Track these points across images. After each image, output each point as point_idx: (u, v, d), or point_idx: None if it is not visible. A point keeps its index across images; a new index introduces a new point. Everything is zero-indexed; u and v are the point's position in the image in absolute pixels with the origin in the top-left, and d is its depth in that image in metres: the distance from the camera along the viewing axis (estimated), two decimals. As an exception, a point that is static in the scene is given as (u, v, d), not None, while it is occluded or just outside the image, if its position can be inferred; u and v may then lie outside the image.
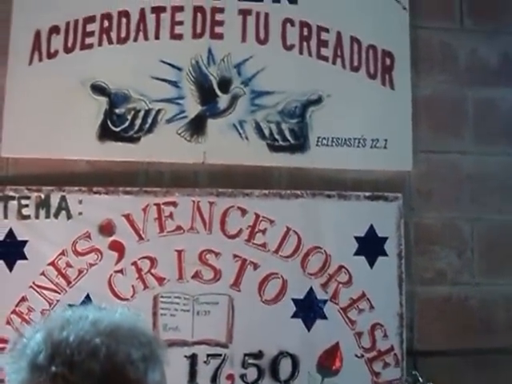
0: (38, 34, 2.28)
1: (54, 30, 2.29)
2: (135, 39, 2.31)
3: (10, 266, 2.17)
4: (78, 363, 0.77)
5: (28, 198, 2.20)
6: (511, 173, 2.47)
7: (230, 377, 2.22)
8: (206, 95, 2.33)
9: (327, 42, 2.40)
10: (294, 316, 2.26)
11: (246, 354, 2.23)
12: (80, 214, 2.21)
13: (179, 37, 2.33)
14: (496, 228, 2.44)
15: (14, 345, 0.85)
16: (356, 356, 2.28)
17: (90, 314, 0.86)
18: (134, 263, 2.21)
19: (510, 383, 2.35)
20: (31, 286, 2.16)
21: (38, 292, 2.17)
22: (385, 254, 2.33)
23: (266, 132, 2.34)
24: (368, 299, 2.30)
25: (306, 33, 2.39)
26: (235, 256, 2.25)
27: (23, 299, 2.15)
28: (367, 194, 2.34)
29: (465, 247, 2.42)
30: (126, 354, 0.80)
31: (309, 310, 2.27)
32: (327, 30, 2.40)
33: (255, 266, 2.26)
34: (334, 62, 2.39)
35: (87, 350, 0.79)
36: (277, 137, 2.34)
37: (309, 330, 2.27)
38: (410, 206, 2.39)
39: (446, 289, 2.40)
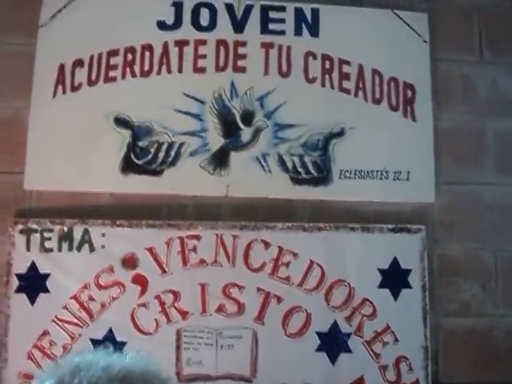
0: (61, 68, 2.30)
1: (78, 63, 2.31)
2: (158, 72, 2.33)
3: (32, 300, 2.16)
4: None
5: (51, 230, 2.20)
6: (533, 203, 2.47)
7: (255, 411, 2.20)
8: (229, 128, 2.34)
9: (349, 75, 2.41)
10: (319, 349, 2.24)
11: (270, 388, 2.21)
12: (103, 247, 2.21)
13: (202, 70, 2.35)
14: (520, 259, 2.43)
15: None
16: (381, 390, 2.26)
17: (101, 360, 0.86)
18: (157, 297, 2.20)
19: (536, 417, 2.33)
20: (53, 320, 2.15)
21: (59, 326, 2.16)
22: (409, 286, 2.31)
23: (289, 165, 2.34)
24: (392, 332, 2.28)
25: (327, 66, 2.40)
26: (259, 289, 2.24)
27: (45, 333, 2.14)
28: (390, 226, 2.33)
29: (489, 278, 2.40)
30: None
31: (333, 343, 2.25)
32: (349, 63, 2.42)
33: (279, 300, 2.24)
34: (356, 95, 2.40)
35: None
36: (300, 170, 2.34)
37: (333, 364, 2.24)
38: (433, 237, 2.38)
39: (470, 321, 2.38)
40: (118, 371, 0.84)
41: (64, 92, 2.29)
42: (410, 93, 2.44)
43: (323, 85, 2.39)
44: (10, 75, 2.31)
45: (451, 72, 2.49)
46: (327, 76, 2.40)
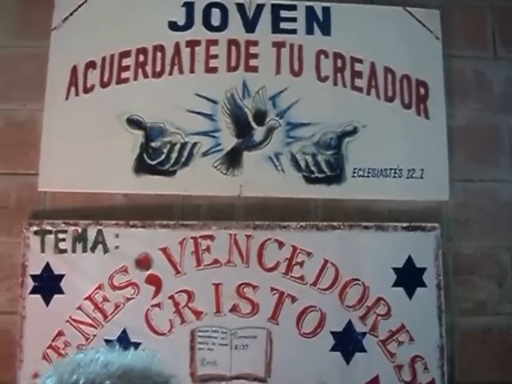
0: (74, 69, 2.31)
1: (91, 65, 2.32)
2: (170, 73, 2.33)
3: (47, 301, 2.16)
4: None
5: (65, 232, 2.21)
6: (549, 200, 2.45)
7: (270, 412, 2.19)
8: (242, 128, 2.33)
9: (361, 73, 2.40)
10: (333, 349, 2.23)
11: (284, 389, 2.20)
12: (117, 247, 2.21)
13: (214, 70, 2.35)
14: (536, 257, 2.40)
15: None
16: (397, 390, 2.24)
17: (102, 357, 0.87)
18: (171, 297, 2.20)
19: (554, 416, 2.30)
20: (68, 321, 2.16)
21: (74, 327, 2.16)
22: (423, 285, 2.29)
23: (302, 164, 2.33)
24: (407, 331, 2.26)
25: (339, 64, 2.39)
26: (273, 289, 2.23)
27: (60, 334, 2.15)
28: (404, 224, 2.32)
29: (505, 276, 2.38)
30: None
31: (348, 342, 2.24)
32: (361, 61, 2.40)
33: (293, 299, 2.23)
34: (368, 93, 2.39)
35: None
36: (313, 168, 2.33)
37: (348, 363, 2.23)
38: (447, 235, 2.36)
39: (486, 319, 2.35)
40: (117, 368, 0.84)
41: (77, 94, 2.30)
42: (422, 90, 2.42)
43: (335, 83, 2.38)
44: (23, 78, 2.33)
45: (464, 69, 2.47)
46: (339, 74, 2.39)
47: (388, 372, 2.24)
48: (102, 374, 0.82)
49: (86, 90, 2.31)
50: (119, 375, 0.83)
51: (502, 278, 2.38)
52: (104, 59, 2.32)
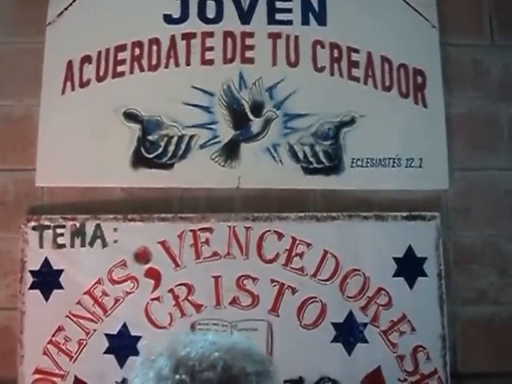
0: (70, 64, 2.31)
1: (86, 59, 2.32)
2: (166, 66, 2.33)
3: (46, 296, 2.17)
4: (198, 373, 0.88)
5: (63, 226, 2.21)
6: (550, 187, 2.43)
7: (271, 404, 2.17)
8: (239, 120, 2.33)
9: (358, 63, 2.39)
10: (334, 340, 2.21)
11: (286, 381, 2.17)
12: (115, 241, 2.21)
13: (210, 62, 2.34)
14: (537, 245, 2.39)
15: (144, 360, 0.97)
16: (399, 380, 2.22)
17: (210, 336, 0.98)
18: (171, 290, 2.19)
19: (557, 405, 2.29)
20: (67, 316, 2.16)
21: (74, 321, 2.16)
22: (424, 274, 2.28)
23: (300, 155, 2.32)
24: (409, 321, 2.24)
25: (336, 54, 2.38)
26: (273, 281, 2.22)
27: (60, 329, 2.15)
28: (404, 214, 2.30)
29: (506, 265, 2.36)
30: (240, 367, 0.90)
31: (349, 333, 2.22)
32: (357, 51, 2.39)
33: (293, 291, 2.22)
34: (365, 83, 2.38)
35: (207, 363, 0.89)
36: (311, 159, 2.32)
37: (349, 355, 2.22)
38: (447, 225, 2.35)
39: (488, 308, 2.33)
40: (223, 345, 0.95)
41: (73, 88, 2.30)
42: (420, 79, 2.41)
43: (332, 73, 2.37)
44: (19, 74, 2.33)
45: (461, 57, 2.45)
46: (336, 64, 2.38)
47: (390, 362, 2.23)
48: (211, 349, 0.92)
49: (82, 85, 2.31)
50: (225, 350, 0.92)
51: (503, 267, 2.36)
52: (99, 53, 2.32)
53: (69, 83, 2.30)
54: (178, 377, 0.89)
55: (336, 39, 2.39)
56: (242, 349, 0.95)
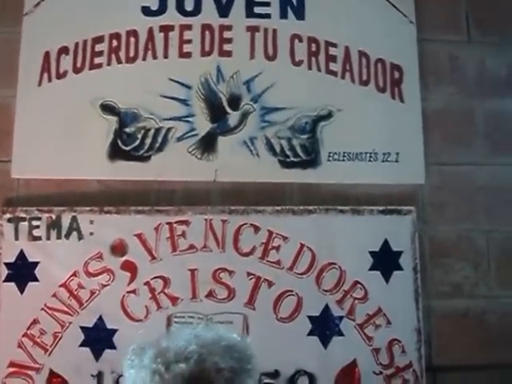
0: (47, 55, 2.30)
1: (63, 50, 2.30)
2: (144, 58, 2.32)
3: (22, 288, 2.15)
4: (173, 364, 0.94)
5: (39, 219, 2.19)
6: (524, 183, 2.46)
7: (247, 397, 2.18)
8: (216, 113, 2.33)
9: (335, 57, 2.40)
10: (310, 333, 2.22)
11: (262, 374, 2.16)
12: (91, 234, 2.20)
13: (188, 55, 2.34)
14: (511, 239, 2.41)
15: (135, 348, 1.04)
16: (374, 373, 2.23)
17: (198, 330, 1.05)
18: (147, 283, 2.19)
19: (530, 397, 2.31)
20: (43, 309, 2.14)
21: (49, 314, 2.15)
22: (400, 268, 2.29)
23: (277, 148, 2.33)
24: (384, 315, 2.26)
25: (314, 48, 2.39)
26: (249, 274, 2.22)
27: (35, 322, 2.13)
28: (380, 208, 2.32)
29: (481, 259, 2.39)
30: (213, 362, 0.95)
31: (325, 327, 2.23)
32: (335, 45, 2.41)
33: (269, 284, 2.23)
34: (343, 77, 2.39)
35: (182, 355, 0.95)
36: (288, 153, 2.33)
37: (325, 348, 2.22)
38: (423, 219, 2.37)
39: (462, 302, 2.36)
40: (205, 339, 1.00)
41: (50, 79, 2.29)
42: (397, 74, 2.43)
43: (310, 67, 2.38)
44: (-5, 64, 2.31)
45: (438, 52, 2.48)
46: (313, 58, 2.39)
47: (365, 356, 2.24)
48: (191, 342, 0.98)
49: (59, 76, 2.29)
50: (203, 345, 0.98)
51: (478, 261, 2.39)
52: (77, 45, 2.30)
53: (46, 74, 2.29)
54: (154, 366, 0.95)
55: (314, 33, 2.40)
56: (224, 344, 0.99)
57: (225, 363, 0.95)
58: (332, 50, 2.40)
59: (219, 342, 1.00)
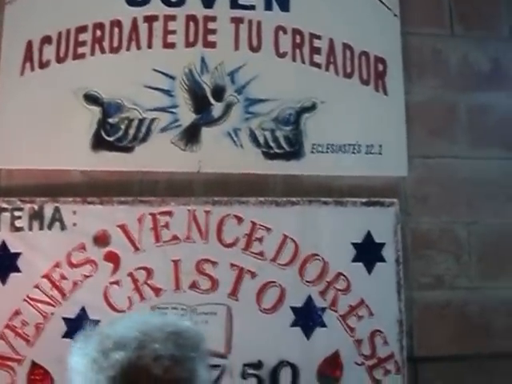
0: (29, 45, 2.26)
1: (46, 40, 2.27)
2: (128, 48, 2.30)
3: (3, 279, 2.13)
4: (111, 352, 0.91)
5: (21, 209, 2.17)
6: (506, 176, 2.48)
7: (230, 388, 2.19)
8: (200, 104, 2.32)
9: (320, 49, 2.40)
10: (293, 324, 2.23)
11: (245, 365, 2.19)
12: (74, 225, 2.18)
13: (172, 46, 2.32)
14: (493, 232, 2.44)
15: (84, 335, 1.01)
16: (356, 363, 2.25)
17: (145, 316, 1.03)
18: (130, 274, 2.18)
19: (510, 388, 2.34)
20: (25, 300, 2.12)
21: (31, 305, 2.12)
22: (383, 259, 2.31)
23: (261, 140, 2.33)
24: (367, 306, 2.28)
25: (298, 40, 2.39)
26: (232, 265, 2.22)
27: (17, 313, 2.11)
28: (363, 200, 2.33)
29: (462, 251, 2.41)
30: (152, 350, 0.90)
31: (308, 318, 2.24)
32: (319, 37, 2.41)
33: (253, 275, 2.23)
34: (327, 69, 2.40)
35: (121, 343, 0.92)
36: (272, 144, 2.33)
37: (308, 339, 2.24)
38: (406, 211, 2.39)
39: (444, 294, 2.38)
40: (149, 326, 0.96)
41: (32, 69, 2.26)
42: (381, 66, 2.44)
43: (294, 59, 2.38)
44: (-24, 54, 2.28)
45: (422, 46, 2.49)
46: (298, 50, 2.38)
47: (348, 346, 2.26)
48: (133, 328, 0.95)
49: (42, 66, 2.26)
50: (145, 331, 0.94)
51: (460, 253, 2.42)
52: (60, 34, 2.28)
53: (28, 64, 2.25)
54: (93, 354, 0.92)
55: (298, 25, 2.40)
56: (169, 331, 0.95)
57: (165, 351, 0.91)
58: (316, 42, 2.40)
59: (164, 328, 0.96)
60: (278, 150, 2.33)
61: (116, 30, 2.30)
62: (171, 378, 0.89)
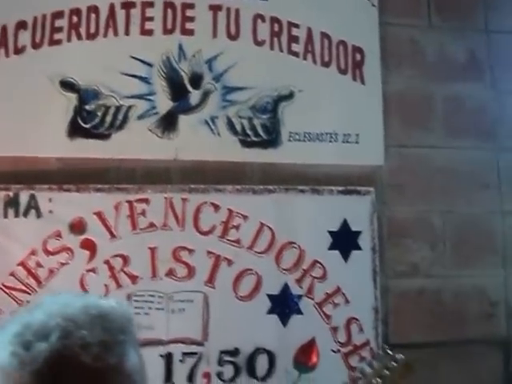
0: (4, 29, 2.21)
1: (21, 25, 2.23)
2: (105, 35, 2.27)
3: (-22, 267, 2.12)
4: (32, 343, 0.80)
5: (-4, 196, 2.16)
6: (480, 166, 2.51)
7: (207, 375, 2.19)
8: (178, 91, 2.31)
9: (298, 38, 2.40)
10: (270, 312, 2.25)
11: (222, 352, 2.20)
12: (50, 212, 2.16)
13: (149, 33, 2.30)
14: (467, 220, 2.48)
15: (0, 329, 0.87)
16: (332, 351, 2.28)
17: (66, 299, 0.87)
18: (107, 262, 2.17)
19: (483, 373, 2.38)
20: (0, 288, 2.10)
21: (7, 293, 2.11)
22: (359, 248, 2.34)
23: (238, 128, 2.33)
24: (343, 293, 2.30)
25: (276, 28, 2.39)
26: (209, 252, 2.23)
27: (-8, 301, 2.10)
28: (340, 188, 2.35)
29: (437, 240, 2.44)
30: (79, 337, 0.80)
31: (284, 305, 2.26)
32: (298, 26, 2.41)
33: (229, 263, 2.24)
34: (304, 58, 2.40)
35: (43, 333, 0.80)
36: (249, 132, 2.33)
37: (285, 326, 2.26)
38: (382, 200, 2.41)
39: (419, 282, 2.42)
40: (73, 310, 0.85)
41: (7, 55, 2.22)
42: (358, 56, 2.45)
43: (272, 48, 2.38)
44: (-50, 39, 2.25)
45: (400, 36, 2.51)
46: (276, 39, 2.38)
47: (324, 334, 2.28)
48: (55, 314, 0.83)
49: (17, 51, 2.22)
50: (70, 316, 0.83)
51: (435, 242, 2.45)
52: (36, 19, 2.24)
53: (3, 49, 2.21)
54: (11, 348, 0.81)
55: (277, 14, 2.39)
56: (94, 314, 0.85)
57: (93, 337, 0.80)
58: (294, 31, 2.40)
59: (88, 311, 0.85)
60: (255, 138, 2.34)
61: (93, 15, 2.27)
62: (101, 366, 0.80)
